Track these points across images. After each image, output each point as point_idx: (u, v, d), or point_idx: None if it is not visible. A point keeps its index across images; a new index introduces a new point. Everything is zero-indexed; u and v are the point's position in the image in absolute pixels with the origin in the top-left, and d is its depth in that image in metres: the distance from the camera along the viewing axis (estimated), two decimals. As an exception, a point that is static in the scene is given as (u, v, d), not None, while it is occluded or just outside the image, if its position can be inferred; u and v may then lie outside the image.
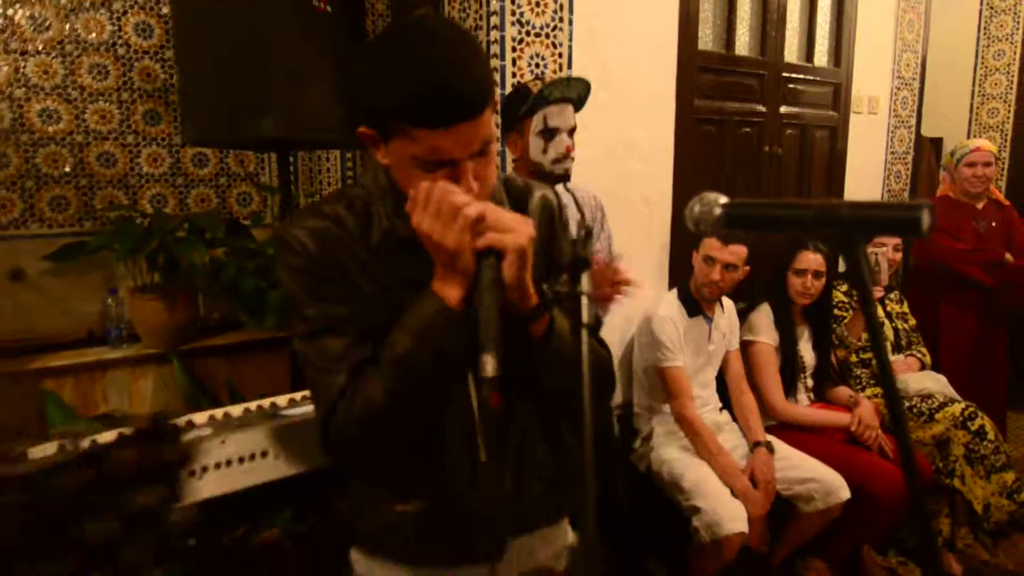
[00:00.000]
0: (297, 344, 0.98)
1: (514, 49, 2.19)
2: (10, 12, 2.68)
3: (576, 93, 1.93)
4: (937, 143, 4.65)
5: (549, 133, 1.90)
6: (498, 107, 1.40)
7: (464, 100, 0.84)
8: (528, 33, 2.23)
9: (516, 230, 0.86)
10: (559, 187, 2.03)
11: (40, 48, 2.74)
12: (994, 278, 3.24)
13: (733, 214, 0.83)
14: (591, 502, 0.67)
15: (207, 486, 1.16)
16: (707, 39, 2.84)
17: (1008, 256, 3.27)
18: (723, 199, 0.83)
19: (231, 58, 1.94)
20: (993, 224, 3.32)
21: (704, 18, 2.80)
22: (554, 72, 2.30)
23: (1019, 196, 4.49)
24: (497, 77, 2.18)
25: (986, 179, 3.28)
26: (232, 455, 1.22)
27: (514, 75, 2.20)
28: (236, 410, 1.50)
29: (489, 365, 0.77)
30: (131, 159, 2.97)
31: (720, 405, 2.64)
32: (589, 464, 0.69)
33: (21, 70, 2.72)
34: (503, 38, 2.17)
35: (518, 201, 1.08)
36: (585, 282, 0.78)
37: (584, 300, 0.78)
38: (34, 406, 2.36)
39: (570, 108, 1.92)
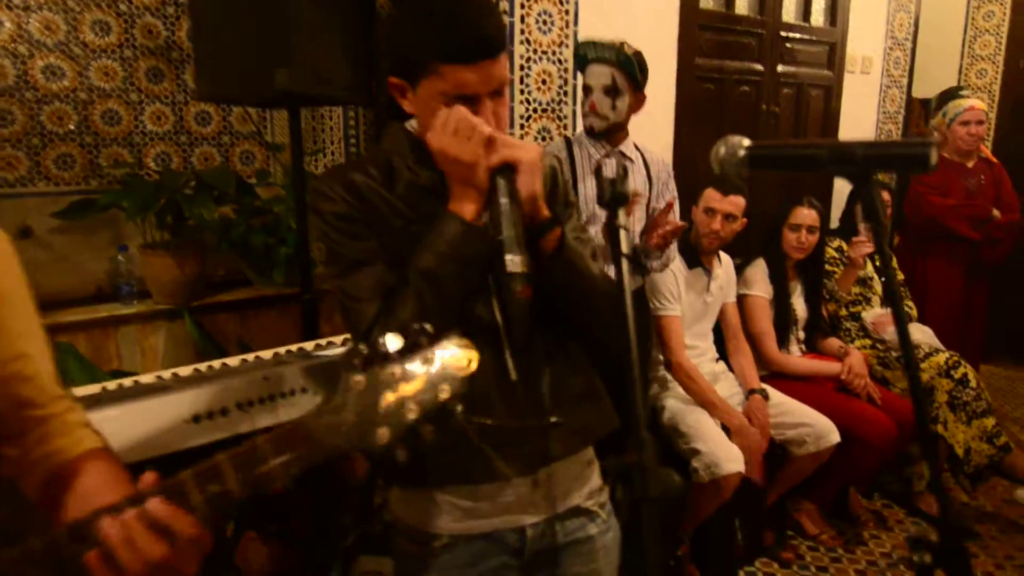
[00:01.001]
0: (331, 282, 1.07)
1: (523, 6, 2.23)
2: (11, -33, 2.66)
3: (611, 55, 2.01)
4: (926, 104, 4.72)
5: (585, 90, 2.03)
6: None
7: (487, 39, 0.97)
8: (535, -10, 2.26)
9: (528, 147, 0.99)
10: (631, 144, 2.16)
11: (43, 3, 2.73)
12: (981, 233, 3.35)
13: (755, 155, 0.90)
14: (643, 419, 0.75)
15: (258, 418, 1.24)
16: (708, -4, 2.88)
17: (996, 212, 3.38)
18: (746, 141, 0.91)
19: (247, 13, 1.97)
20: (983, 179, 3.41)
21: (706, -24, 2.83)
22: (561, 29, 2.34)
23: (1004, 156, 4.60)
24: (507, 34, 2.22)
25: (979, 137, 3.37)
26: (274, 391, 1.30)
27: (522, 31, 2.24)
28: (267, 354, 1.58)
29: (517, 261, 0.88)
30: (135, 117, 2.98)
31: (717, 355, 2.74)
32: (638, 382, 0.77)
33: (24, 26, 2.71)
34: (511, -6, 2.21)
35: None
36: (622, 216, 0.86)
37: (621, 232, 0.85)
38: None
39: (604, 68, 2.01)
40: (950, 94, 3.50)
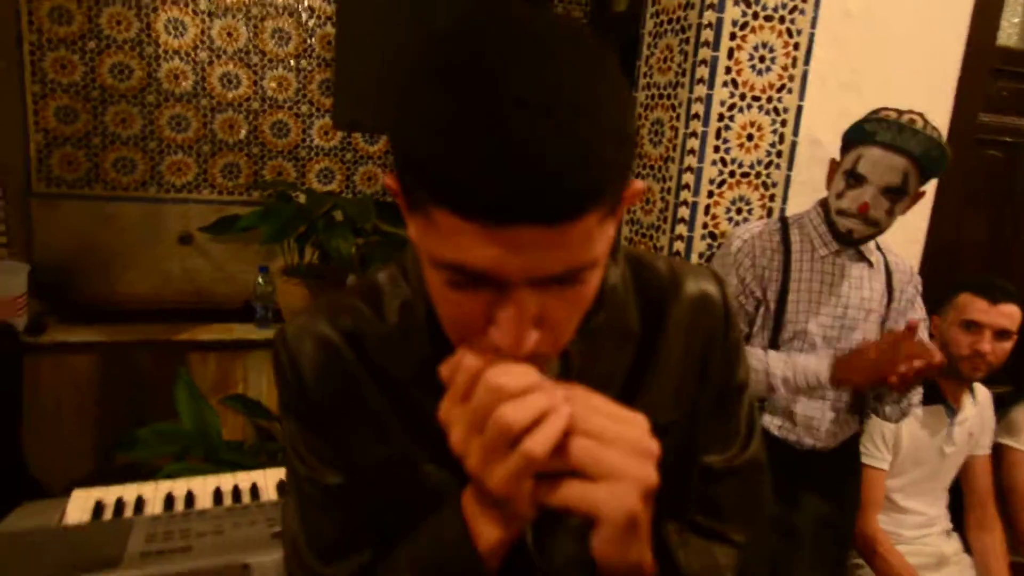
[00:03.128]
0: (286, 517, 0.64)
1: (733, 36, 1.67)
2: (202, -28, 2.62)
3: (917, 147, 1.38)
4: None
5: (856, 179, 1.44)
6: (628, 179, 0.73)
7: (541, 185, 0.42)
8: (756, 15, 1.69)
9: (624, 475, 0.45)
10: (872, 244, 1.56)
11: (227, 8, 2.67)
12: None
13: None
14: None
15: None
16: (1011, 32, 2.08)
17: None
18: None
19: (392, 44, 1.65)
20: None
21: (1010, 6, 2.04)
22: (783, 68, 1.74)
23: None
24: (706, 72, 1.67)
25: None
26: None
27: (727, 71, 1.69)
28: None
29: None
30: (303, 130, 2.85)
31: (951, 527, 1.97)
32: None
33: (207, 31, 2.66)
34: (720, 21, 1.65)
35: (654, 306, 0.64)
36: None
37: None
38: (169, 380, 2.31)
39: (899, 161, 1.39)
40: None
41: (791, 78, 1.76)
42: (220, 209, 2.77)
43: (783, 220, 1.61)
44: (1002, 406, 2.07)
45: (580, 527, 0.56)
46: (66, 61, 2.53)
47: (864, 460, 1.83)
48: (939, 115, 2.00)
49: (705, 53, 1.68)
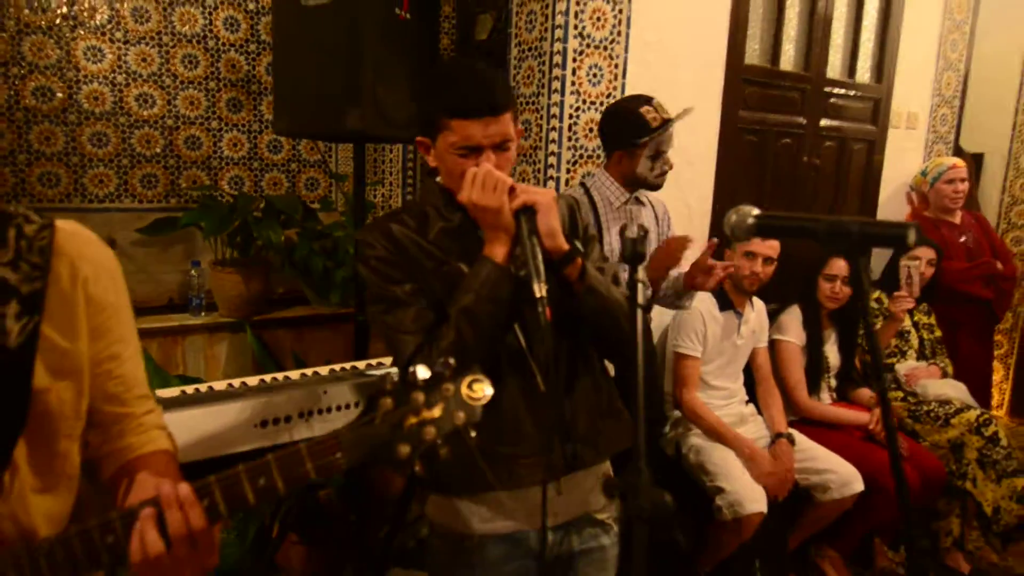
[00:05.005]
0: (375, 318, 1.24)
1: (574, 59, 2.40)
2: (117, 5, 2.97)
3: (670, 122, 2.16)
4: (979, 159, 4.71)
5: (659, 155, 2.17)
6: (517, 117, 1.49)
7: (489, 99, 1.16)
8: (588, 45, 2.43)
9: (542, 191, 1.18)
10: (641, 193, 2.31)
11: (140, 38, 3.03)
12: (992, 290, 3.40)
13: (763, 224, 1.03)
14: (642, 441, 0.88)
15: (310, 429, 1.40)
16: (754, 53, 3.01)
17: (999, 265, 3.42)
18: (755, 211, 1.04)
19: (324, 57, 2.18)
20: (974, 234, 3.46)
21: (752, 34, 2.96)
22: (609, 81, 2.50)
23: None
24: (558, 85, 2.39)
25: (964, 193, 3.41)
26: (331, 404, 1.46)
27: (573, 83, 2.41)
28: (324, 369, 1.75)
29: (538, 288, 1.05)
30: (214, 143, 3.25)
31: (747, 398, 2.81)
32: (641, 410, 0.90)
33: (123, 58, 3.01)
34: (565, 50, 2.38)
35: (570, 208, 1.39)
36: (641, 272, 0.99)
37: (640, 286, 0.99)
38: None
39: (670, 132, 2.15)
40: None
41: (615, 88, 2.52)
42: (141, 216, 3.09)
43: (582, 184, 2.32)
44: (773, 316, 2.97)
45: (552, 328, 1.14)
46: (-11, 86, 2.77)
47: (682, 351, 2.61)
48: (712, 113, 2.87)
49: (557, 71, 2.39)
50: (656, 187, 2.26)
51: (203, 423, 1.39)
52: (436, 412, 0.80)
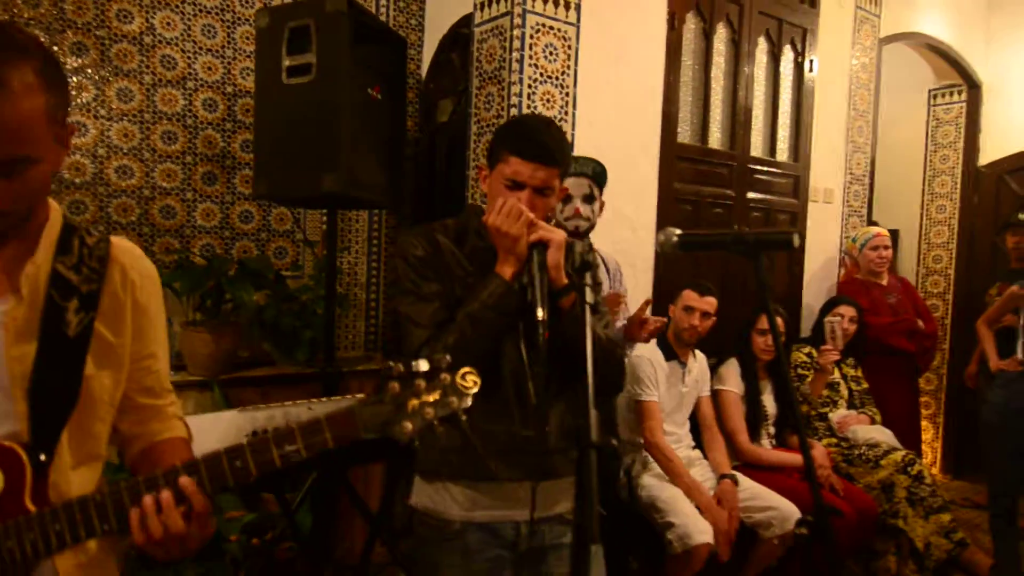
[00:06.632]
0: (402, 308, 1.43)
1: (527, 134, 2.70)
2: (103, 86, 3.19)
3: (588, 168, 2.43)
4: (894, 233, 5.20)
5: (565, 199, 2.41)
6: (564, 176, 1.70)
7: (544, 149, 1.39)
8: (539, 122, 2.74)
9: (557, 232, 1.37)
10: (597, 255, 2.53)
11: (124, 115, 3.25)
12: (914, 344, 3.79)
13: (684, 240, 1.28)
14: (591, 408, 1.07)
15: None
16: (685, 134, 3.39)
17: (920, 323, 3.83)
18: (678, 231, 1.29)
19: (303, 128, 2.43)
20: (900, 295, 3.88)
21: (683, 117, 3.35)
22: (559, 154, 2.81)
23: (966, 283, 5.03)
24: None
25: (888, 259, 3.88)
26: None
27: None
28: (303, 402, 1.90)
29: (540, 312, 1.22)
30: (188, 212, 3.42)
31: (693, 444, 3.02)
32: (590, 387, 1.10)
33: (106, 133, 3.21)
34: (519, 125, 2.68)
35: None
36: (588, 276, 1.22)
37: (587, 288, 1.21)
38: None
39: (583, 180, 2.42)
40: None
41: (564, 160, 2.83)
42: (112, 281, 3.20)
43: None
44: (714, 368, 3.22)
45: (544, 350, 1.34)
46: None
47: (642, 398, 2.81)
48: (651, 185, 3.20)
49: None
50: (570, 232, 2.41)
51: (198, 430, 1.51)
52: (435, 396, 0.98)
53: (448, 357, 0.99)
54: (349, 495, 2.42)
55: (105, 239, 1.12)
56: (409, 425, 0.97)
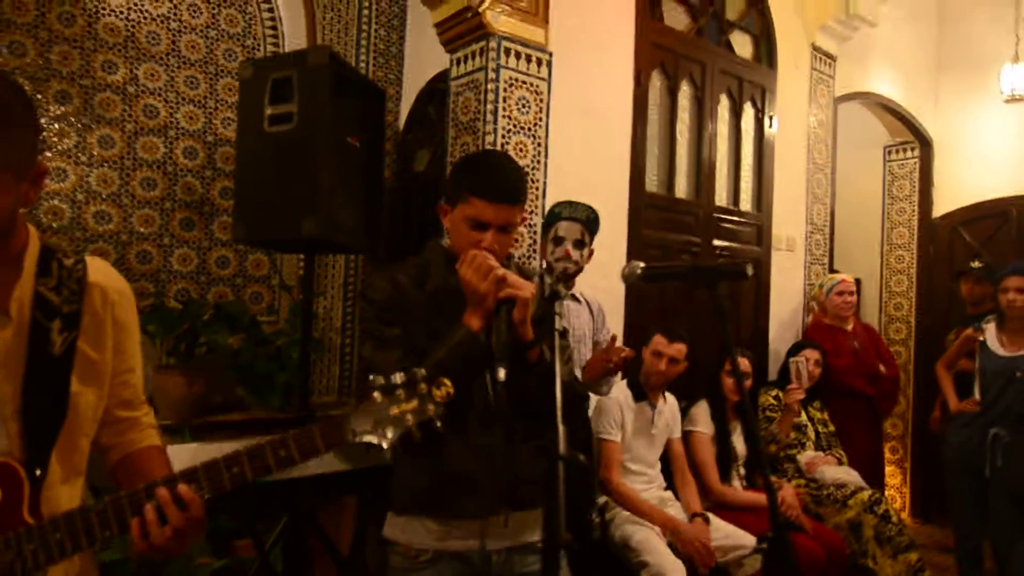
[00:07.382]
0: (366, 352, 1.47)
1: (501, 181, 2.80)
2: (85, 133, 3.25)
3: (582, 215, 2.53)
4: (857, 282, 5.39)
5: (558, 240, 2.49)
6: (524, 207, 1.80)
7: (506, 188, 1.44)
8: (512, 170, 2.86)
9: (525, 287, 1.38)
10: (579, 292, 2.68)
11: (104, 162, 3.30)
12: (874, 388, 3.92)
13: (647, 273, 1.36)
14: (560, 427, 1.13)
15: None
16: (652, 183, 3.53)
17: (881, 367, 3.98)
18: (642, 264, 1.37)
19: (283, 174, 2.50)
20: (863, 340, 4.02)
21: (650, 167, 3.50)
22: (531, 201, 2.91)
23: (926, 330, 5.20)
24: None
25: (852, 304, 4.02)
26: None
27: (500, 201, 2.80)
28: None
29: (502, 372, 1.26)
30: (164, 257, 3.45)
31: (665, 484, 3.05)
32: (559, 409, 1.15)
33: (85, 178, 3.25)
34: (493, 173, 2.79)
35: (523, 276, 1.64)
36: (557, 306, 1.29)
37: (557, 317, 1.27)
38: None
39: (576, 225, 2.50)
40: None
41: (536, 207, 2.93)
42: (86, 325, 3.20)
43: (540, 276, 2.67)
44: (685, 411, 3.28)
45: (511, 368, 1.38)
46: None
47: (603, 436, 2.86)
48: (621, 232, 3.32)
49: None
50: (560, 273, 2.46)
51: (186, 453, 1.54)
52: (413, 404, 1.07)
53: (423, 371, 1.07)
54: (318, 536, 2.40)
55: (81, 260, 1.18)
56: (391, 430, 1.05)
